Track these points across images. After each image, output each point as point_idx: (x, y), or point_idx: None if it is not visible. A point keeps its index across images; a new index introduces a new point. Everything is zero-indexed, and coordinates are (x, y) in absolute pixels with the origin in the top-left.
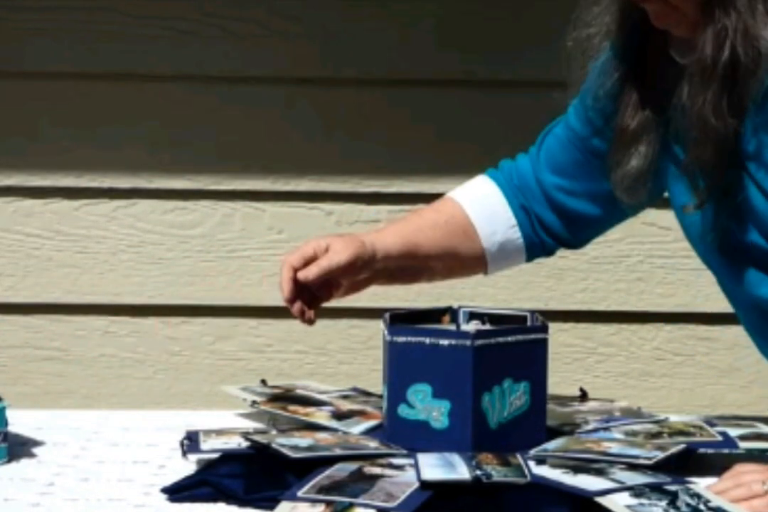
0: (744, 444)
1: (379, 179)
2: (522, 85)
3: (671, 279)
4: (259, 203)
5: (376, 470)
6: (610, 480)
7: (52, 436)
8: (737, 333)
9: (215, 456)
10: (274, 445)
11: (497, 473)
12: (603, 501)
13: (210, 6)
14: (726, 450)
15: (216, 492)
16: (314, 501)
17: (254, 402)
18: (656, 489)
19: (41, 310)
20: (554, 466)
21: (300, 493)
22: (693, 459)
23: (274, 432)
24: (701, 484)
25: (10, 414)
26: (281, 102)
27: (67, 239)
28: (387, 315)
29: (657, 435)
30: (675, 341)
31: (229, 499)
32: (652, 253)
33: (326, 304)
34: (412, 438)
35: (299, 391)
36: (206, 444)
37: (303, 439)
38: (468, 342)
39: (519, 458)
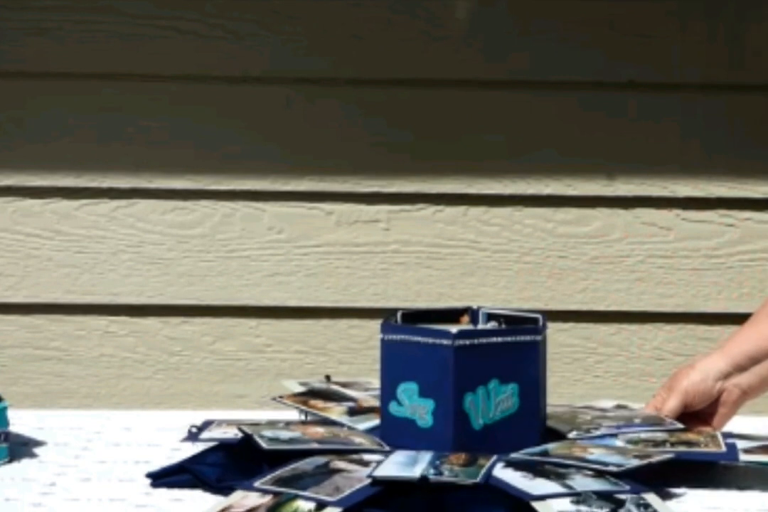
0: (745, 457)
1: (379, 179)
2: (520, 84)
3: (671, 279)
4: (259, 203)
5: (341, 464)
6: (563, 485)
7: (54, 436)
8: None
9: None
10: (255, 436)
11: (450, 473)
12: (537, 505)
13: (210, 6)
14: (723, 462)
15: (193, 478)
16: (264, 492)
17: (280, 397)
18: (605, 496)
19: (41, 310)
20: (518, 469)
21: (256, 484)
22: (693, 469)
23: (263, 423)
24: (654, 495)
25: (11, 414)
26: (281, 102)
27: (67, 239)
28: (399, 313)
29: (661, 443)
30: (675, 341)
31: (204, 486)
32: (652, 253)
33: (326, 304)
34: (401, 435)
35: (334, 387)
36: (208, 433)
37: (289, 432)
38: (449, 342)
39: (490, 459)
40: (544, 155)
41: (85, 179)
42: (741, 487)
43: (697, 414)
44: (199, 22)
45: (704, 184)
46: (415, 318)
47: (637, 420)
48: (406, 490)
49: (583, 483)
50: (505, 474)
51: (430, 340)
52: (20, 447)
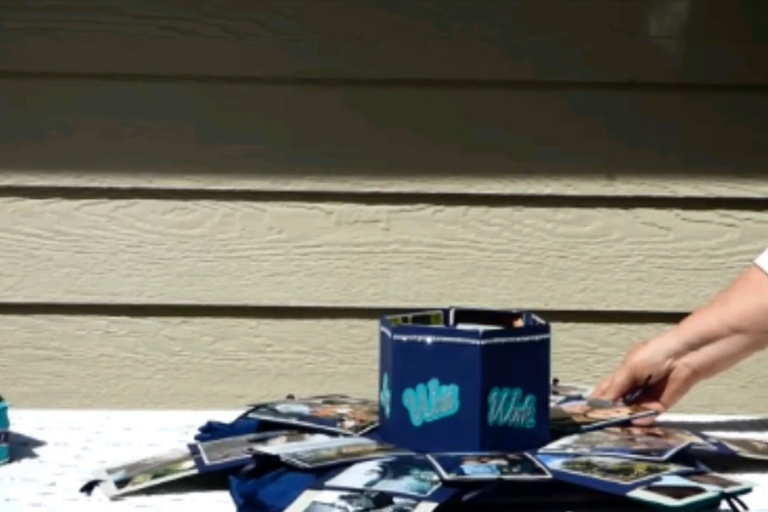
0: (636, 494)
1: (379, 179)
2: (520, 84)
3: (671, 279)
4: (259, 203)
5: (276, 440)
6: (369, 483)
7: (54, 436)
8: None
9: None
10: (263, 407)
11: (299, 457)
12: (307, 492)
13: (210, 6)
14: (629, 494)
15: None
16: (191, 450)
17: None
18: (382, 497)
19: (41, 310)
20: (381, 466)
21: (199, 444)
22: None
23: (303, 398)
24: (430, 505)
25: (11, 414)
26: (281, 102)
27: (67, 239)
28: (453, 309)
29: (587, 467)
30: None
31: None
32: (652, 253)
33: (326, 304)
34: (381, 423)
35: None
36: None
37: (302, 407)
38: (389, 334)
39: (381, 455)
40: (544, 155)
41: (85, 179)
42: None
43: (650, 391)
44: (199, 21)
45: (704, 184)
46: (468, 316)
47: (637, 446)
48: (273, 466)
49: (390, 483)
50: (361, 465)
51: (388, 333)
52: (20, 447)
